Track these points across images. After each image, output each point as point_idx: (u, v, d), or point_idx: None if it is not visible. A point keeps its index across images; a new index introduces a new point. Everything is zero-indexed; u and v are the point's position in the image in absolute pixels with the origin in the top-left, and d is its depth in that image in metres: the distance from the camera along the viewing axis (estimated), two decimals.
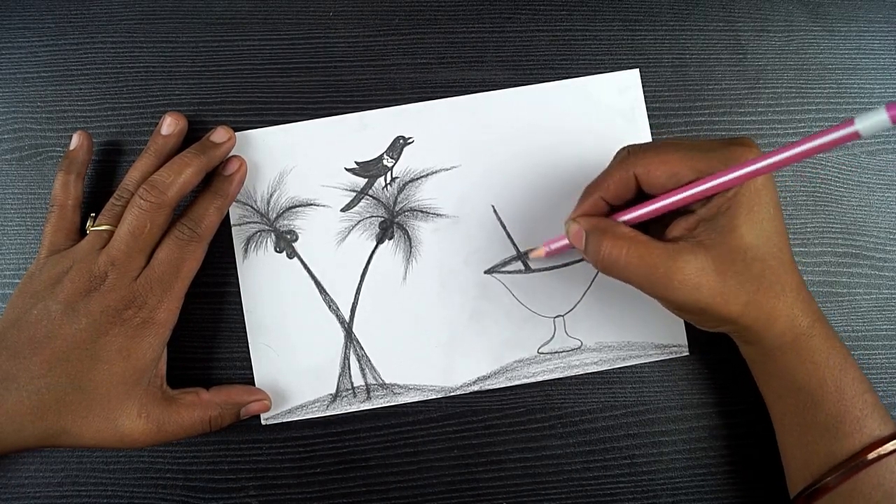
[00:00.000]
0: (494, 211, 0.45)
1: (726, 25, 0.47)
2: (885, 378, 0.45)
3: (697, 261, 0.35)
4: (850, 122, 0.26)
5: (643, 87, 0.46)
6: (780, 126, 0.46)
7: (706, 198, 0.35)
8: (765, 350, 0.38)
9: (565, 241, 0.41)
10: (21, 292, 0.40)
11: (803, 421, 0.38)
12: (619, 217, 0.38)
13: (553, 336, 0.45)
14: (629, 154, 0.37)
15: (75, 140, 0.44)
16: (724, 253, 0.35)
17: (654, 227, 0.38)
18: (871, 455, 0.35)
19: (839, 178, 0.46)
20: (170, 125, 0.43)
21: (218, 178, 0.44)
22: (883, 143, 0.46)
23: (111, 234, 0.41)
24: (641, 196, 0.38)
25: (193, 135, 0.45)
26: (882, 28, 0.47)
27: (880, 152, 0.46)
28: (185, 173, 0.41)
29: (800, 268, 0.45)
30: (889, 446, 0.35)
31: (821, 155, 0.46)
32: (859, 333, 0.45)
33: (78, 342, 0.38)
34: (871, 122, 0.26)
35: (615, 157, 0.38)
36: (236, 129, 0.45)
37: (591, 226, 0.38)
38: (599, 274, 0.45)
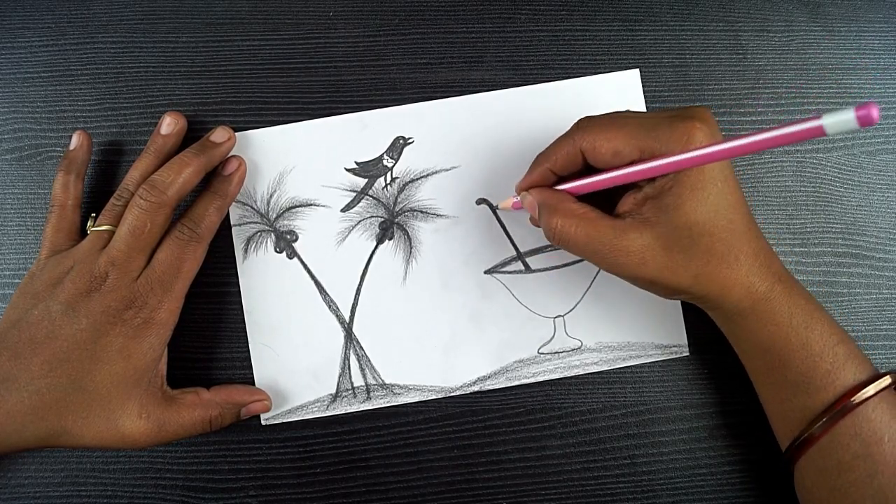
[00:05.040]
0: (494, 211, 0.45)
1: (726, 25, 0.47)
2: None
3: (643, 238, 0.35)
4: (817, 117, 0.26)
5: (643, 87, 0.46)
6: None
7: (651, 177, 0.35)
8: (726, 315, 0.38)
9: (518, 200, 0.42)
10: (22, 293, 0.40)
11: (775, 380, 0.38)
12: (563, 187, 0.39)
13: (553, 336, 0.45)
14: (578, 128, 0.37)
15: (75, 140, 0.44)
16: (670, 230, 0.35)
17: (607, 199, 0.38)
18: (841, 406, 0.35)
19: (839, 178, 0.46)
20: (169, 125, 0.43)
21: (217, 178, 0.44)
22: (883, 143, 0.46)
23: (112, 234, 0.41)
24: (591, 168, 0.38)
25: (193, 135, 0.45)
26: (882, 28, 0.47)
27: (880, 152, 0.46)
28: (184, 173, 0.41)
29: (800, 268, 0.45)
30: (861, 394, 0.35)
31: (821, 155, 0.46)
32: (859, 333, 0.45)
33: (78, 342, 0.38)
34: (838, 119, 0.25)
35: (569, 129, 0.38)
36: (236, 130, 0.45)
37: (542, 200, 0.39)
38: (600, 274, 0.45)
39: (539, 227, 0.40)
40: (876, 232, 0.46)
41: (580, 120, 0.38)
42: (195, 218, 0.42)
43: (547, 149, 0.39)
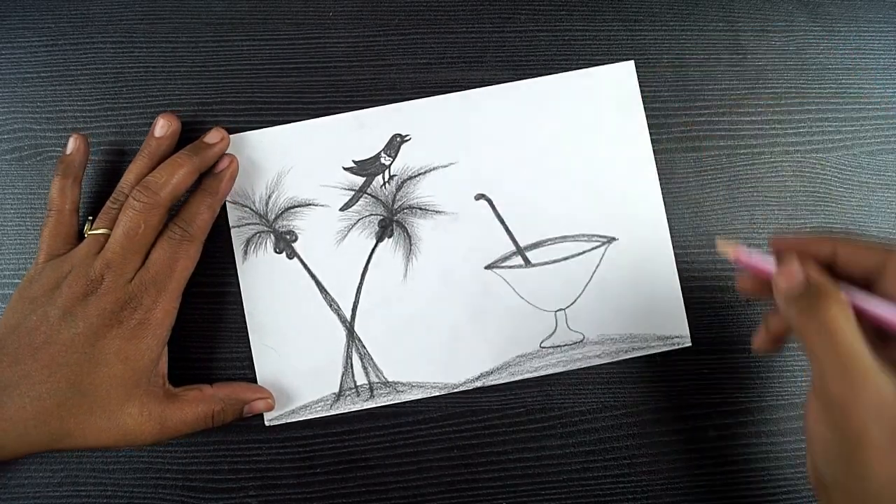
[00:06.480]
0: (492, 206, 0.45)
1: (726, 25, 0.47)
2: None
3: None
4: None
5: (643, 86, 0.46)
6: (779, 126, 0.46)
7: None
8: None
9: (763, 266, 0.34)
10: (20, 298, 0.40)
11: None
12: (871, 298, 0.31)
13: (555, 330, 0.45)
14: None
15: (71, 144, 0.44)
16: None
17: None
18: None
19: (839, 178, 0.46)
20: (162, 127, 0.43)
21: (208, 176, 0.44)
22: (883, 143, 0.46)
23: (108, 237, 0.41)
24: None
25: (193, 135, 0.45)
26: (882, 28, 0.47)
27: (880, 152, 0.46)
28: (178, 174, 0.41)
29: None
30: None
31: (821, 155, 0.46)
32: None
33: (76, 346, 0.38)
34: None
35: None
36: (235, 130, 0.45)
37: (819, 280, 0.31)
38: (600, 267, 0.45)
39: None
40: (876, 232, 0.46)
41: None
42: (187, 217, 0.42)
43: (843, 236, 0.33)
